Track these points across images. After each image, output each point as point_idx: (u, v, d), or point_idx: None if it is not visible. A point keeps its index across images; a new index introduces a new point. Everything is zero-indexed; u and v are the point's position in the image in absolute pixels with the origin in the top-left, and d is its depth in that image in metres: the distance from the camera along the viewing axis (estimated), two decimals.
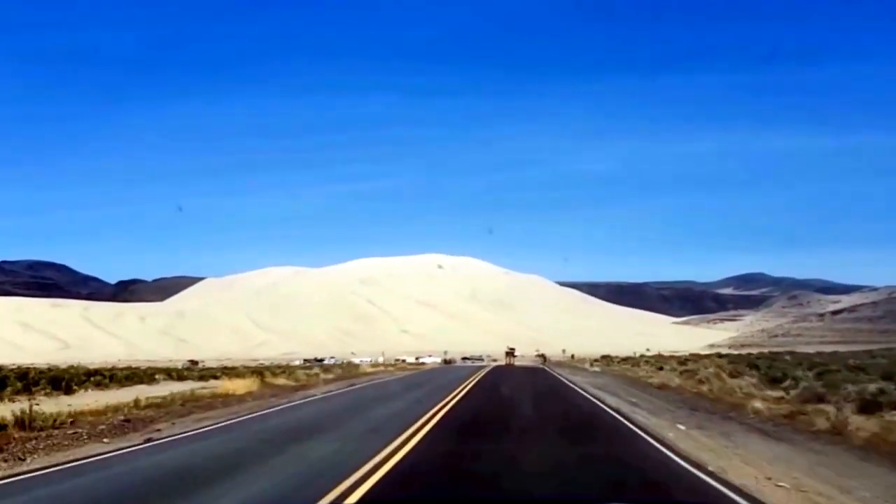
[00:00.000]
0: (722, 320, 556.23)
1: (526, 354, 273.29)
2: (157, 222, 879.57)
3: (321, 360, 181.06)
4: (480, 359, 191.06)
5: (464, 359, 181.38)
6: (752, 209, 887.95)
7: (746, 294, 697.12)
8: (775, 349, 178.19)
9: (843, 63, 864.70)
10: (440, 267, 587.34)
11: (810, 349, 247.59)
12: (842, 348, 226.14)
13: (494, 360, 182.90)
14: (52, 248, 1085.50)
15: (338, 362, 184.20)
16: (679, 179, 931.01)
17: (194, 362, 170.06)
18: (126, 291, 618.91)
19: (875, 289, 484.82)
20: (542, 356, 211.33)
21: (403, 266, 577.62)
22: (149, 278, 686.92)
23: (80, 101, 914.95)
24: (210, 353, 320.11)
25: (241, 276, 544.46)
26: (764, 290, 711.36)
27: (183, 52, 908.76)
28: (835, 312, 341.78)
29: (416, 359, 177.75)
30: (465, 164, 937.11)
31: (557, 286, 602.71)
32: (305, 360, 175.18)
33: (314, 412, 24.96)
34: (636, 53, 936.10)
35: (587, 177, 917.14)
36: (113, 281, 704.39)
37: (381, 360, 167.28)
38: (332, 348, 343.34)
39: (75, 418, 20.47)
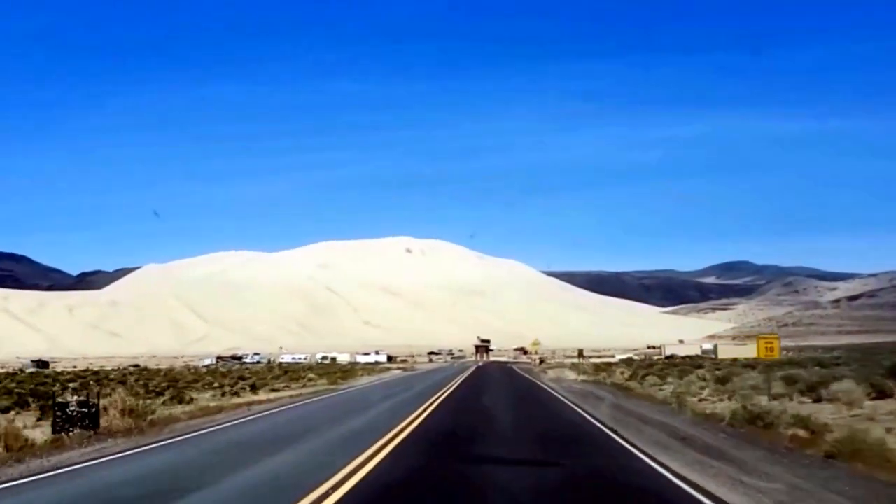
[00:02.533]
0: (713, 309, 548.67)
1: (502, 348, 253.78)
2: (121, 211, 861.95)
3: (240, 359, 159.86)
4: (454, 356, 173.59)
5: (431, 353, 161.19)
6: (734, 196, 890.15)
7: (730, 283, 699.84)
8: (788, 342, 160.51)
9: (829, 45, 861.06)
10: (408, 251, 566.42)
11: (826, 340, 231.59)
12: (863, 339, 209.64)
13: (460, 358, 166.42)
14: (14, 239, 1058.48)
15: (262, 360, 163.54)
16: (659, 166, 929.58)
17: (43, 364, 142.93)
18: (85, 283, 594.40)
19: (874, 275, 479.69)
20: (523, 350, 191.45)
21: (367, 250, 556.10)
22: (110, 269, 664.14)
23: (46, 88, 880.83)
24: (144, 348, 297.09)
25: (185, 263, 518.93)
26: (747, 278, 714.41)
27: (144, 38, 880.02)
28: (851, 298, 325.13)
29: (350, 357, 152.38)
30: (438, 150, 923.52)
31: (536, 273, 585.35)
32: (220, 359, 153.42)
33: None
34: (617, 36, 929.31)
35: (564, 163, 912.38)
36: (74, 272, 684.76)
37: (318, 358, 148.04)
38: (283, 342, 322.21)
39: None
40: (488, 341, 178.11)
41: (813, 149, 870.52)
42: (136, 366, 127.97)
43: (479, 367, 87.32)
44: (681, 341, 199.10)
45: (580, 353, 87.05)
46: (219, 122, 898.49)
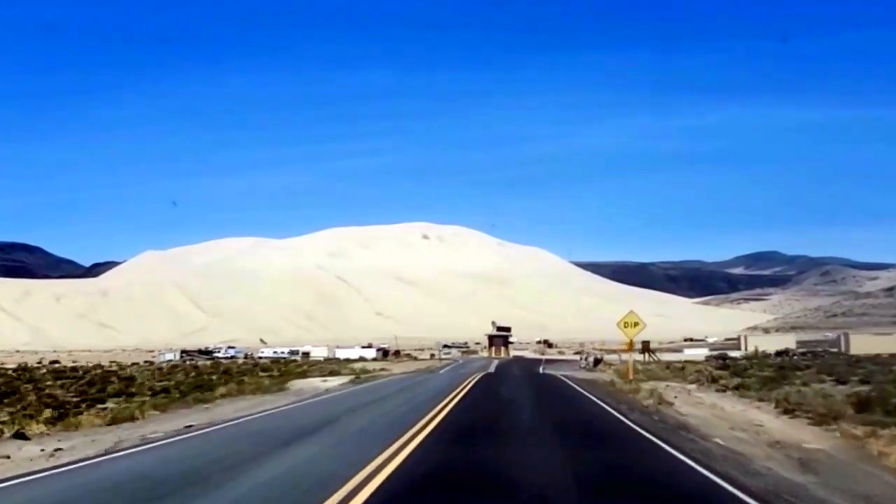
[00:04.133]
0: (746, 300, 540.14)
1: (523, 340, 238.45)
2: (133, 202, 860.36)
3: (210, 353, 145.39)
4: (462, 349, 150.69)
5: (445, 347, 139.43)
6: (762, 186, 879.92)
7: (759, 274, 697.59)
8: (828, 331, 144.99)
9: (860, 31, 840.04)
10: (425, 237, 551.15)
11: (881, 330, 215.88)
12: None
13: (471, 353, 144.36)
14: (27, 230, 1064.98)
15: (238, 354, 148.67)
16: (686, 155, 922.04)
17: None
18: (95, 273, 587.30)
19: None
20: (548, 343, 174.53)
21: (381, 236, 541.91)
22: (121, 259, 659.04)
23: (56, 79, 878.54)
24: (136, 340, 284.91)
25: (185, 250, 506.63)
26: (777, 269, 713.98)
27: (161, 25, 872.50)
28: None
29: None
30: (458, 139, 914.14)
31: (561, 261, 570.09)
32: (185, 354, 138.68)
33: None
34: (641, 25, 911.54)
35: (589, 152, 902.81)
36: (87, 263, 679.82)
37: (285, 353, 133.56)
38: (289, 335, 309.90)
39: None
40: (508, 330, 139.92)
41: (841, 137, 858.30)
42: (113, 361, 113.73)
43: (488, 374, 54.91)
44: (764, 330, 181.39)
45: (646, 348, 62.66)
46: (232, 112, 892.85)
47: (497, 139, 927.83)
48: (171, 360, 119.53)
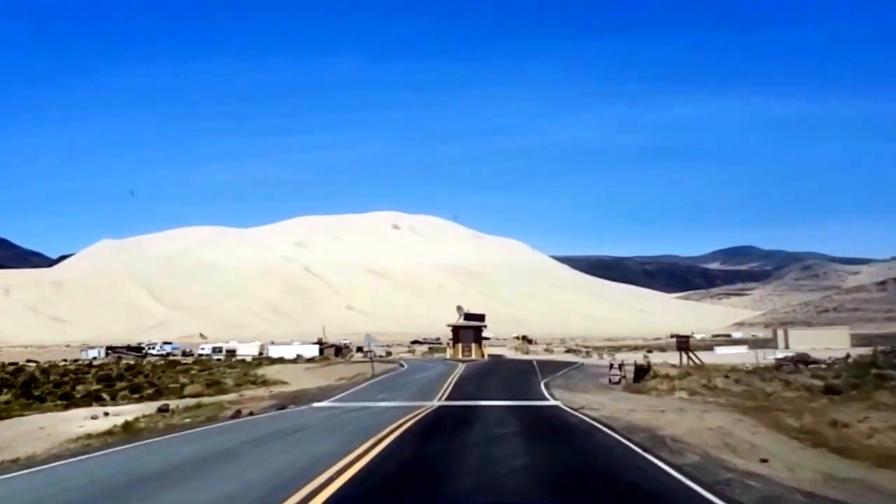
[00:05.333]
0: (727, 295, 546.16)
1: (500, 336, 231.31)
2: (98, 192, 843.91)
3: (141, 350, 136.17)
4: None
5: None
6: (738, 180, 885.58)
7: (735, 269, 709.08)
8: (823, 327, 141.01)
9: (843, 23, 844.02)
10: (396, 227, 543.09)
11: (876, 328, 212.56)
12: None
13: (438, 347, 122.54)
14: None
15: (176, 350, 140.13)
16: (661, 149, 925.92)
17: None
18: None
19: None
20: (526, 339, 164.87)
21: (350, 226, 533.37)
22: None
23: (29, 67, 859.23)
24: (90, 334, 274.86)
25: (144, 239, 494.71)
26: (753, 264, 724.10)
27: (125, 13, 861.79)
28: None
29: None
30: (431, 131, 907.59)
31: (537, 253, 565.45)
32: (112, 350, 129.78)
33: None
34: (616, 14, 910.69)
35: (564, 145, 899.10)
36: (54, 255, 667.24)
37: (206, 350, 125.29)
38: (255, 329, 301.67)
39: None
40: (481, 318, 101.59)
41: (817, 133, 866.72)
42: (48, 360, 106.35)
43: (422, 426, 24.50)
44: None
45: (685, 347, 45.65)
46: (198, 102, 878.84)
47: (471, 131, 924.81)
48: (95, 358, 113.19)
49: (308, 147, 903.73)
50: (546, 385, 40.26)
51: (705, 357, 62.52)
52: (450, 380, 44.60)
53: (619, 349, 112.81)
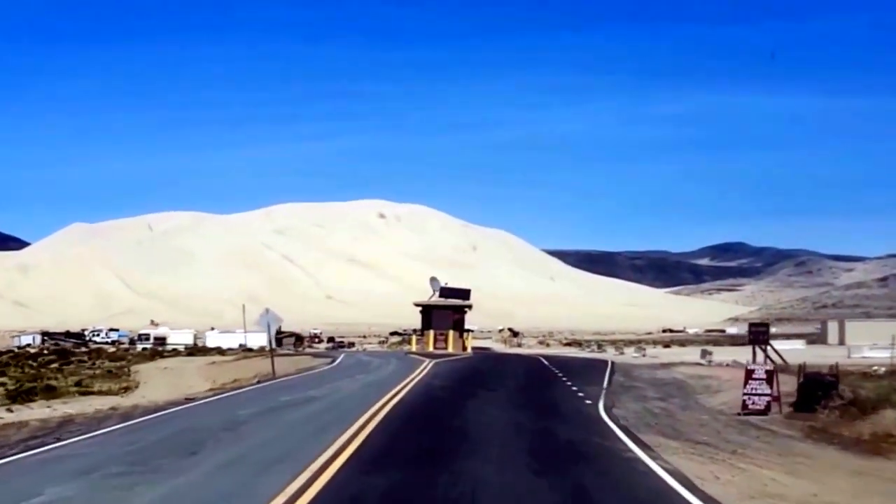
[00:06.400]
0: (718, 290, 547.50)
1: (485, 328, 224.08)
2: (73, 175, 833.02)
3: (82, 336, 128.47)
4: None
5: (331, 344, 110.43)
6: (729, 176, 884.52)
7: (725, 265, 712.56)
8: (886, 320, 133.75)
9: (835, 18, 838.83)
10: (382, 216, 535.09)
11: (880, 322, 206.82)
12: None
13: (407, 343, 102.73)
14: None
15: (123, 338, 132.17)
16: (654, 143, 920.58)
17: None
18: None
19: (894, 255, 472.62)
20: (513, 332, 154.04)
21: (334, 214, 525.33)
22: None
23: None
24: (54, 320, 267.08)
25: (116, 224, 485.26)
26: (743, 260, 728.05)
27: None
28: None
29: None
30: (423, 121, 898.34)
31: (527, 245, 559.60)
32: (47, 336, 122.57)
33: None
34: (610, 6, 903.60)
35: (555, 138, 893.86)
36: (32, 240, 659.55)
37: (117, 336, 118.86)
38: (230, 318, 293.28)
39: None
40: (464, 296, 78.63)
41: (808, 129, 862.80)
42: None
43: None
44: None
45: (763, 340, 37.03)
46: (180, 89, 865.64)
47: (462, 121, 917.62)
48: (28, 345, 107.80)
49: (294, 134, 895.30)
50: (629, 428, 20.37)
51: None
52: (382, 403, 23.69)
53: (614, 343, 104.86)
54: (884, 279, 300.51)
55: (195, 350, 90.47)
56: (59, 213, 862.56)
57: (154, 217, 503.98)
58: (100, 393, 37.06)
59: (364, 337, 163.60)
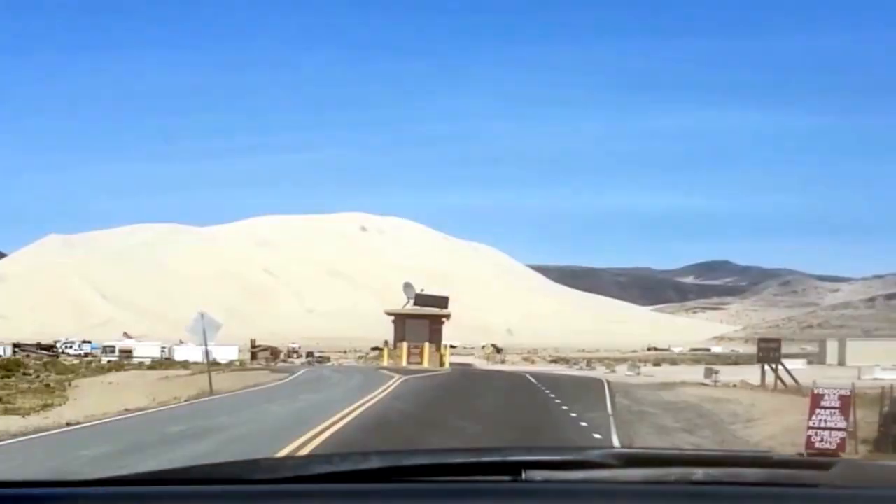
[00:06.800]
0: (702, 309, 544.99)
1: (468, 345, 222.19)
2: (54, 187, 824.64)
3: (53, 349, 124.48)
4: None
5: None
6: (714, 193, 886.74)
7: (709, 283, 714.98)
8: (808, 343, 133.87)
9: (822, 36, 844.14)
10: (363, 229, 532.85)
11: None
12: None
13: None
14: None
15: (96, 349, 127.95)
16: (638, 158, 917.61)
17: None
18: None
19: (879, 277, 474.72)
20: (496, 349, 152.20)
21: (315, 226, 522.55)
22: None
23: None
24: (30, 330, 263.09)
25: (94, 235, 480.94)
26: (728, 279, 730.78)
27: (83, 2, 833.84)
28: (889, 296, 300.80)
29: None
30: (406, 133, 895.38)
31: (510, 259, 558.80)
32: (18, 347, 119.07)
33: None
34: (599, 19, 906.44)
35: (540, 152, 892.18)
36: (8, 251, 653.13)
37: (84, 348, 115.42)
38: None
39: None
40: (442, 304, 76.04)
41: (795, 148, 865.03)
42: None
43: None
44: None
45: (774, 359, 32.71)
46: (156, 97, 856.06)
47: (445, 134, 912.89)
48: None
49: (276, 145, 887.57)
50: None
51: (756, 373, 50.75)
52: (304, 440, 18.31)
53: (602, 360, 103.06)
54: (871, 299, 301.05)
55: (160, 363, 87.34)
56: (36, 223, 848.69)
57: (132, 228, 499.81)
58: (7, 412, 33.15)
59: (344, 352, 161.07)
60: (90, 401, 39.71)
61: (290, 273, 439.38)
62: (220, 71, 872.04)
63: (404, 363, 63.00)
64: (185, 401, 32.64)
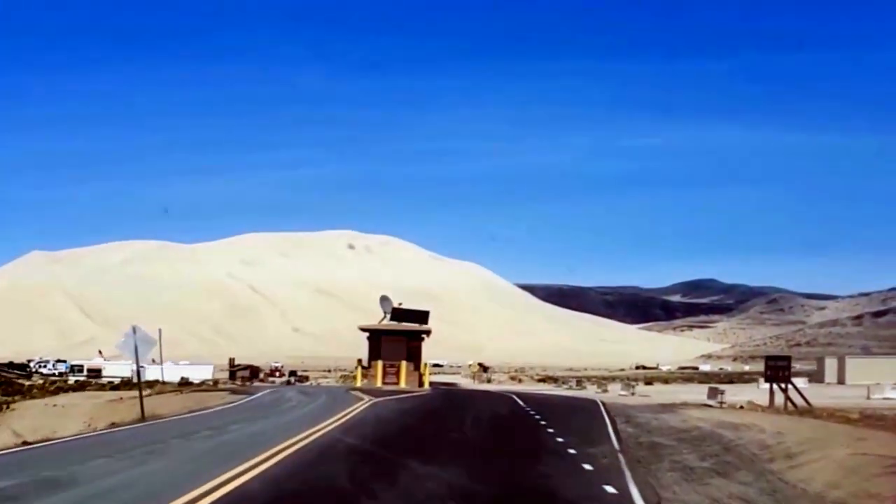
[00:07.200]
0: (690, 327, 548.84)
1: (455, 363, 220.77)
2: (38, 203, 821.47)
3: (25, 368, 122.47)
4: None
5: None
6: (701, 212, 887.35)
7: (696, 302, 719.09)
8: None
9: (812, 52, 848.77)
10: (351, 247, 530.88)
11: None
12: None
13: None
14: None
15: (66, 370, 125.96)
16: (627, 177, 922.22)
17: None
18: None
19: (865, 294, 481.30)
20: (483, 367, 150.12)
21: (303, 244, 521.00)
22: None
23: None
24: (11, 348, 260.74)
25: (78, 252, 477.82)
26: (714, 297, 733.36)
27: (71, 20, 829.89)
28: (876, 314, 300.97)
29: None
30: (396, 151, 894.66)
31: (499, 279, 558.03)
32: None
33: None
34: (586, 39, 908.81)
35: (527, 170, 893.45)
36: None
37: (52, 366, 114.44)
38: (190, 349, 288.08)
39: None
40: (421, 319, 66.81)
41: (779, 166, 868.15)
42: None
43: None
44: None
45: (783, 378, 27.32)
46: (148, 112, 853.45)
47: (434, 152, 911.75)
48: None
49: (264, 163, 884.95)
50: None
51: (756, 392, 48.57)
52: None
53: (591, 379, 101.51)
54: (858, 317, 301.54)
55: (128, 384, 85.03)
56: (18, 240, 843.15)
57: (116, 245, 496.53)
58: None
59: (329, 371, 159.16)
60: (30, 422, 38.37)
61: (276, 291, 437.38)
62: (207, 88, 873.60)
63: (379, 384, 58.08)
64: (104, 429, 29.46)
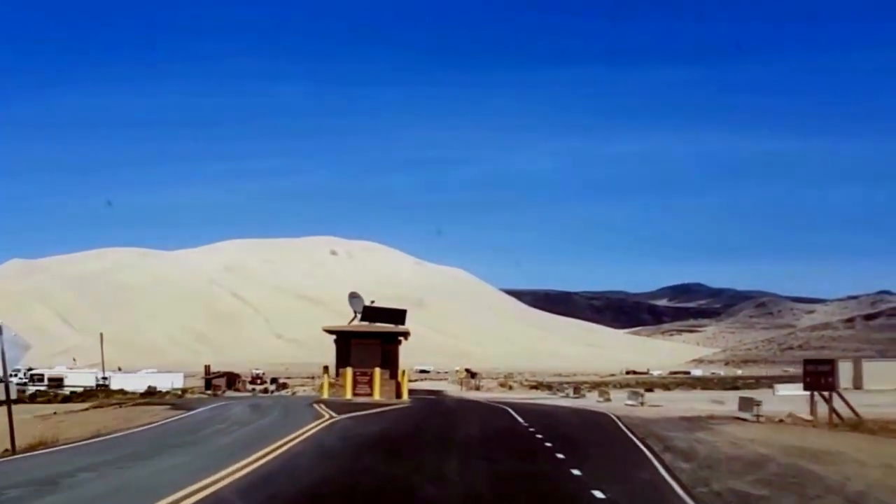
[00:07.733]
0: (678, 331, 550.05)
1: (441, 368, 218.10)
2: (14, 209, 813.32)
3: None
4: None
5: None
6: (688, 216, 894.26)
7: (683, 306, 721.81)
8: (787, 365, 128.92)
9: (791, 59, 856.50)
10: (333, 253, 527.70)
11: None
12: None
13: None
14: None
15: (25, 380, 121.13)
16: (612, 182, 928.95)
17: None
18: None
19: (854, 297, 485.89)
20: (471, 373, 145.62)
21: (285, 250, 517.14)
22: None
23: None
24: None
25: (57, 259, 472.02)
26: (701, 301, 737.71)
27: (61, 32, 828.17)
28: (868, 317, 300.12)
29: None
30: (379, 158, 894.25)
31: (484, 284, 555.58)
32: None
33: None
34: (570, 46, 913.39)
35: (512, 177, 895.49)
36: None
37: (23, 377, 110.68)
38: (173, 357, 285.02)
39: None
40: (398, 319, 56.74)
41: (766, 171, 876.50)
42: None
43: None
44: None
45: (826, 386, 33.25)
46: (133, 123, 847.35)
47: (417, 159, 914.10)
48: None
49: (247, 171, 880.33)
50: None
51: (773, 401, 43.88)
52: None
53: (581, 384, 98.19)
54: (850, 320, 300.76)
55: (91, 393, 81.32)
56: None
57: (97, 253, 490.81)
58: None
59: (312, 377, 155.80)
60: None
61: (258, 297, 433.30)
62: (190, 97, 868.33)
63: (349, 395, 49.50)
64: None
